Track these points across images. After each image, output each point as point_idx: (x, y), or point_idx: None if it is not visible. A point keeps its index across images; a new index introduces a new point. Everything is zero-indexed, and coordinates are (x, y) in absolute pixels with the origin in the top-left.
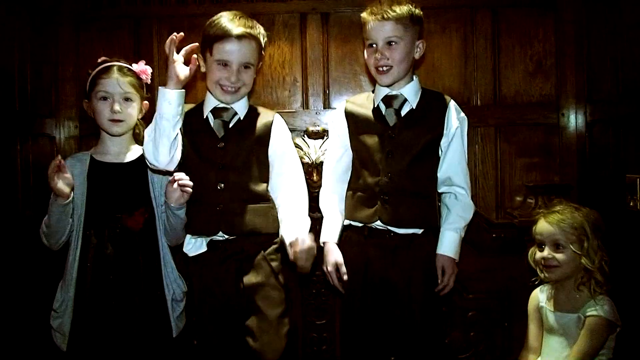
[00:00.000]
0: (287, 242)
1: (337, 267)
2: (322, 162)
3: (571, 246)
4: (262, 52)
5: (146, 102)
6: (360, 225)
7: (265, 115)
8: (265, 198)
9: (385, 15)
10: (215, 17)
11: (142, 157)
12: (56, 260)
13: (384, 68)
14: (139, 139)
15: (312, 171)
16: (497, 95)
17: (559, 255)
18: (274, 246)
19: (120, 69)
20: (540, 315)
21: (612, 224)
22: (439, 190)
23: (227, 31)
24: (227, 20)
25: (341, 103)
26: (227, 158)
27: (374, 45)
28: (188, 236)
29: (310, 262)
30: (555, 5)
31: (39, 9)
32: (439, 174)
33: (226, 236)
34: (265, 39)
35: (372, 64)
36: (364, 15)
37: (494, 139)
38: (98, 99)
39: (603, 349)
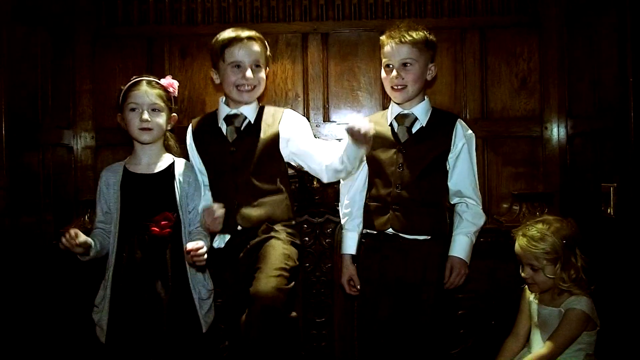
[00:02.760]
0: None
1: (350, 279)
2: None
3: (544, 270)
4: (267, 56)
5: (174, 114)
6: (375, 232)
7: (275, 112)
8: (279, 190)
9: (402, 39)
10: (219, 34)
11: (170, 167)
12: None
13: (399, 87)
14: (170, 149)
15: (313, 179)
16: (485, 110)
17: (536, 277)
18: (286, 222)
19: (148, 82)
20: (529, 308)
21: (590, 230)
22: (452, 202)
23: (236, 35)
24: (232, 30)
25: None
26: (238, 161)
27: (391, 66)
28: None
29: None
30: (539, 27)
31: (58, 27)
32: (450, 187)
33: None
34: (268, 47)
35: (388, 82)
36: (382, 37)
37: (482, 150)
38: (129, 111)
39: (583, 343)
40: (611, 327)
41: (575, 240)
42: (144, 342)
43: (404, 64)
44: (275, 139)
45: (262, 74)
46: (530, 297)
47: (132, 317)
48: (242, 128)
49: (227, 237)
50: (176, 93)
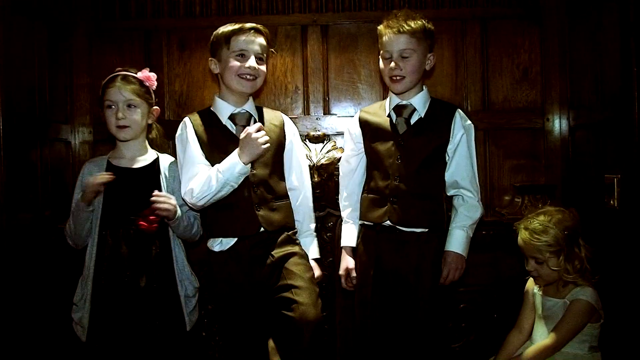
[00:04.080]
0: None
1: (348, 273)
2: (322, 165)
3: (548, 263)
4: (269, 52)
5: (156, 107)
6: (372, 224)
7: (275, 116)
8: (287, 194)
9: (401, 29)
10: (223, 25)
11: (155, 162)
12: (77, 257)
13: (397, 77)
14: (155, 143)
15: (314, 173)
16: (486, 102)
17: (540, 270)
18: (294, 230)
19: (123, 77)
20: (533, 300)
21: (593, 221)
22: (448, 194)
23: (243, 26)
24: (237, 23)
25: (356, 112)
26: (256, 162)
27: (389, 56)
28: (217, 239)
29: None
30: (541, 18)
31: (55, 21)
32: (446, 178)
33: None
34: (270, 41)
35: (386, 73)
36: (380, 28)
37: (483, 143)
38: (105, 108)
39: (587, 335)
40: (615, 319)
41: (578, 231)
42: (127, 339)
43: (403, 54)
44: (282, 142)
45: (264, 68)
46: (534, 289)
47: (115, 314)
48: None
49: (231, 240)
50: (154, 86)
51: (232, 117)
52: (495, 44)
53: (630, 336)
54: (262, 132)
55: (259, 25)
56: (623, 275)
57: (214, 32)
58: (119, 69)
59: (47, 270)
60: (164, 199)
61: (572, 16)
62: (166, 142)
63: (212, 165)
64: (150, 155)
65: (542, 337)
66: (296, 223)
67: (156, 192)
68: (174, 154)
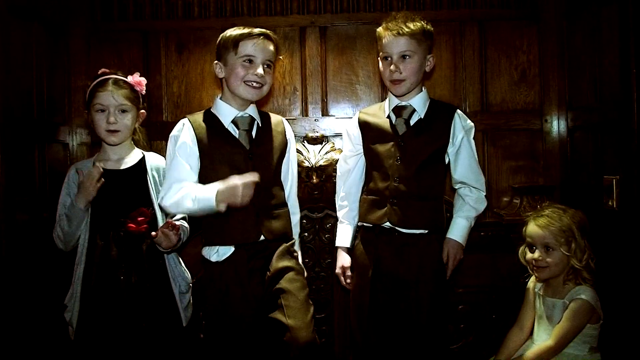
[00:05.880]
0: None
1: (344, 271)
2: (320, 166)
3: (561, 249)
4: (276, 59)
5: (143, 111)
6: (371, 225)
7: (278, 122)
8: (285, 202)
9: (400, 31)
10: (229, 29)
11: (141, 162)
12: (71, 259)
13: (398, 80)
14: (139, 144)
15: (312, 174)
16: (485, 103)
17: (549, 258)
18: (293, 241)
19: (115, 82)
20: (534, 299)
21: (592, 222)
22: (455, 187)
23: (251, 31)
24: (242, 27)
25: (355, 114)
26: (257, 167)
27: (389, 58)
28: (214, 247)
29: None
30: (539, 19)
31: (53, 23)
32: (454, 178)
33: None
34: (279, 48)
35: (387, 76)
36: (379, 30)
37: (482, 144)
38: (95, 111)
39: (587, 336)
40: (614, 320)
41: (586, 228)
42: (117, 338)
43: (403, 56)
44: (284, 149)
45: (271, 75)
46: (535, 288)
47: (104, 315)
48: (252, 132)
49: (228, 250)
50: (144, 91)
51: (234, 121)
52: (494, 46)
53: (630, 337)
54: (250, 192)
55: (268, 32)
56: (622, 276)
57: (221, 35)
58: (105, 70)
59: (44, 272)
60: (165, 243)
61: (570, 17)
62: (149, 144)
63: (210, 167)
64: (135, 155)
65: (542, 336)
66: None
67: (154, 234)
68: (162, 153)
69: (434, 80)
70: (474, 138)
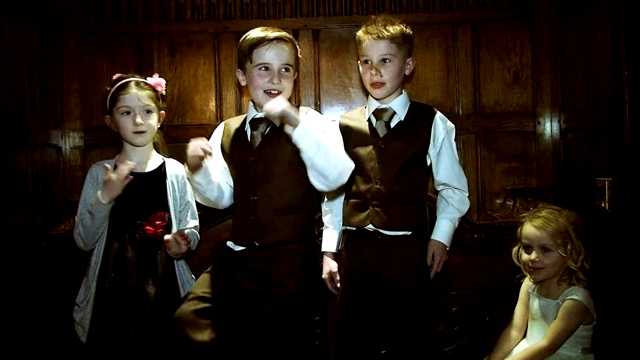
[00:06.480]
0: None
1: (331, 276)
2: None
3: (557, 250)
4: (298, 58)
5: (163, 112)
6: (355, 228)
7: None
8: (296, 208)
9: (380, 35)
10: (248, 32)
11: (161, 167)
12: (71, 261)
13: (378, 83)
14: (158, 147)
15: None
16: (478, 105)
17: (546, 259)
18: (301, 259)
19: (137, 83)
20: (528, 299)
21: (585, 224)
22: (437, 189)
23: (264, 36)
24: (261, 29)
25: (336, 119)
26: (258, 171)
27: (369, 62)
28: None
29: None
30: (531, 21)
31: (46, 25)
32: (436, 179)
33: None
34: (298, 47)
35: (367, 79)
36: (359, 34)
37: (475, 146)
38: (121, 114)
39: (580, 337)
40: (607, 321)
41: (581, 229)
42: (128, 342)
43: (383, 60)
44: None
45: (291, 78)
46: (529, 288)
47: (118, 316)
48: (266, 132)
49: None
50: (164, 91)
51: (252, 122)
52: (487, 48)
53: (623, 339)
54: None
55: (283, 34)
56: (615, 278)
57: (240, 39)
58: (119, 75)
59: (38, 275)
60: (174, 249)
61: (562, 19)
62: (167, 147)
63: (230, 168)
64: (156, 159)
65: (536, 337)
66: None
67: (166, 238)
68: (175, 158)
69: (426, 82)
70: (455, 139)
